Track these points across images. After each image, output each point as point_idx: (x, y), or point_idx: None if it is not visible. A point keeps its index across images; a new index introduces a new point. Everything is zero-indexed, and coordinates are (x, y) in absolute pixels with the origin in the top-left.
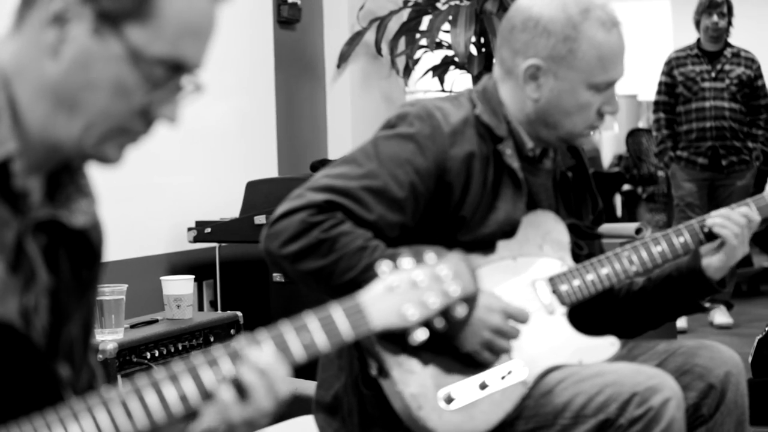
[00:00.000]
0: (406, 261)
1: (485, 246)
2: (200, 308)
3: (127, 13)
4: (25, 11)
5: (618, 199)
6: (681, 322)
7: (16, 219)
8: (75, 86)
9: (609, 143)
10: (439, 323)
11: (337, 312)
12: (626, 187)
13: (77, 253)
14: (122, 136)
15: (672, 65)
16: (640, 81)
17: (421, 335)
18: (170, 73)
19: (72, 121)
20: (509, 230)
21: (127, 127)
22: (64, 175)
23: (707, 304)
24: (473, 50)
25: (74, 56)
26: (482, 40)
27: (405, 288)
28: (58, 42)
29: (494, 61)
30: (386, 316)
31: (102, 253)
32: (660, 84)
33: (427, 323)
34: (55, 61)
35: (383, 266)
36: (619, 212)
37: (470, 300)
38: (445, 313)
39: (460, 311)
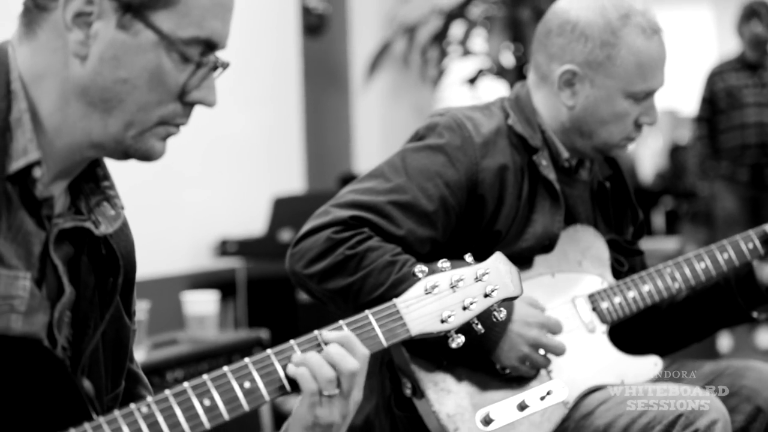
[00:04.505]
0: (443, 263)
1: (522, 261)
2: (224, 326)
3: (152, 2)
4: (35, 17)
5: (659, 215)
6: (724, 345)
7: (41, 230)
8: (108, 83)
9: (649, 159)
10: (479, 327)
11: (373, 318)
12: (669, 205)
13: (102, 262)
14: (163, 127)
15: (714, 78)
16: (681, 95)
17: (459, 340)
18: (203, 51)
19: (108, 119)
20: (547, 244)
21: (166, 117)
22: (88, 182)
23: (755, 314)
24: (509, 59)
25: (103, 53)
26: (517, 48)
27: (444, 290)
28: (84, 42)
29: (529, 67)
30: (424, 320)
31: (131, 259)
32: (702, 99)
33: (465, 327)
34: (84, 62)
35: (419, 268)
36: (661, 228)
37: (511, 302)
38: (485, 316)
39: (500, 314)
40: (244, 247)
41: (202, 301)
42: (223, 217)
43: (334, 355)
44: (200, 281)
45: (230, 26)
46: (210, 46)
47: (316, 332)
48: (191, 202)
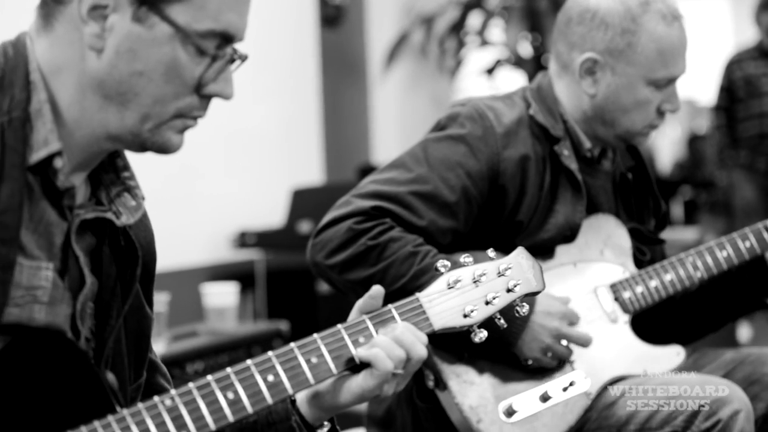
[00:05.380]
0: (466, 257)
1: (544, 251)
2: (244, 318)
3: None
4: (52, 9)
5: (678, 205)
6: (744, 335)
7: (63, 221)
8: (124, 76)
9: (667, 149)
10: (501, 322)
11: (396, 312)
12: (687, 195)
13: (122, 253)
14: (180, 120)
15: (732, 67)
16: (699, 84)
17: (482, 335)
18: (219, 44)
19: (125, 112)
20: (569, 235)
21: (183, 110)
22: (108, 173)
23: None
24: (526, 49)
25: (119, 46)
26: (535, 38)
27: (466, 285)
28: (100, 35)
29: (550, 56)
30: (447, 315)
31: (150, 249)
32: (720, 88)
33: (488, 322)
34: (99, 55)
35: (442, 263)
36: (679, 218)
37: (533, 297)
38: (507, 311)
39: (523, 309)
40: (263, 239)
41: (221, 293)
42: (242, 208)
43: (405, 340)
44: (219, 273)
45: (247, 18)
46: (227, 38)
47: (365, 317)
48: (210, 194)
